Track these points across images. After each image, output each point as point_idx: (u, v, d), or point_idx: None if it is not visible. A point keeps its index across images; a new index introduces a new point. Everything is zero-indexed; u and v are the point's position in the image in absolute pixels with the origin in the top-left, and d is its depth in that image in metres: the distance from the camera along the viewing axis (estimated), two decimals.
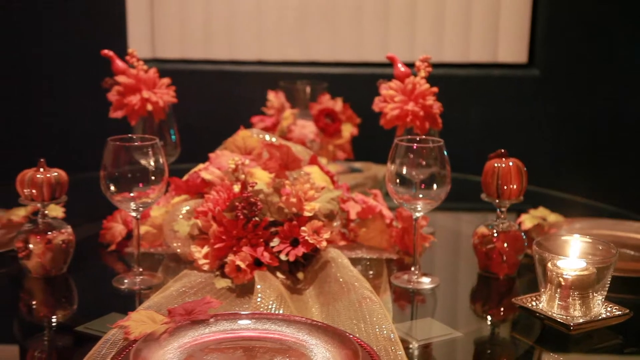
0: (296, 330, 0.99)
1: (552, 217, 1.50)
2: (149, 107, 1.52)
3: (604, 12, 2.55)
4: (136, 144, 1.22)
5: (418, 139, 1.24)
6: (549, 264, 1.10)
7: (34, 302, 1.23)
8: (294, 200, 1.24)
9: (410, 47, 2.61)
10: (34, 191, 1.24)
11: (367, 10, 2.62)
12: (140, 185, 1.21)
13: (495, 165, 1.28)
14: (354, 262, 1.31)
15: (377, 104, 1.43)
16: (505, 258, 1.29)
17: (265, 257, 1.19)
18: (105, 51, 1.53)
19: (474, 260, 1.34)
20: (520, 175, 1.28)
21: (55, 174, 1.26)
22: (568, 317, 1.07)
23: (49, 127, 2.66)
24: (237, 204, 1.21)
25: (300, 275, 1.23)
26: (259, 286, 1.13)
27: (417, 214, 1.26)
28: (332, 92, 1.98)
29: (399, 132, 1.42)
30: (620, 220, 1.56)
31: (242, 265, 1.18)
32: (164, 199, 1.40)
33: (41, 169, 1.26)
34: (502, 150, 1.30)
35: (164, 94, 1.55)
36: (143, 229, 1.36)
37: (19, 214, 1.47)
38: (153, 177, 1.21)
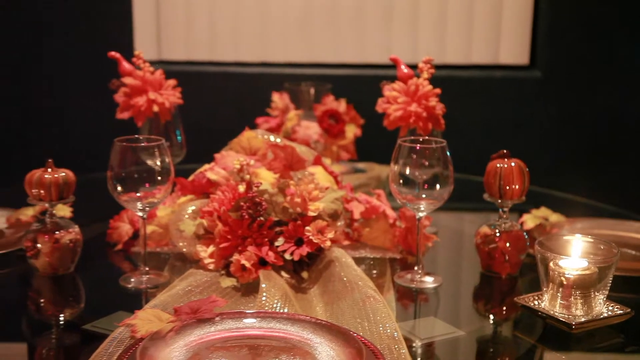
0: (301, 328, 0.99)
1: (554, 217, 1.50)
2: (155, 108, 1.53)
3: (605, 13, 2.55)
4: (143, 144, 1.22)
5: (421, 139, 1.25)
6: (551, 264, 1.10)
7: (42, 301, 1.23)
8: (298, 200, 1.24)
9: (413, 49, 2.61)
10: (42, 191, 1.25)
11: (370, 13, 2.62)
12: (147, 185, 1.22)
13: (498, 165, 1.28)
14: (358, 261, 1.31)
15: (380, 105, 1.43)
16: (507, 257, 1.29)
17: (270, 257, 1.20)
18: (112, 53, 1.54)
19: (476, 260, 1.35)
20: (522, 175, 1.28)
21: (63, 174, 1.26)
22: (570, 316, 1.07)
23: (57, 128, 2.66)
24: (242, 204, 1.21)
25: (304, 274, 1.24)
26: (263, 285, 1.14)
27: (420, 214, 1.26)
28: (336, 94, 1.97)
29: (402, 133, 1.42)
30: (621, 220, 1.56)
31: (247, 265, 1.18)
32: (170, 199, 1.40)
33: (49, 170, 1.26)
34: (505, 151, 1.30)
35: (170, 95, 1.55)
36: (149, 228, 1.37)
37: (27, 214, 1.48)
38: (159, 178, 1.22)
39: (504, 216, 1.31)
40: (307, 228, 1.22)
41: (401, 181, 1.23)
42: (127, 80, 1.53)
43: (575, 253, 1.14)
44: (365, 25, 2.63)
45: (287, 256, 1.21)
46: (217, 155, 1.43)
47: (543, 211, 1.52)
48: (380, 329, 1.03)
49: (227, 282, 1.20)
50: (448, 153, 1.23)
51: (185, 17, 2.64)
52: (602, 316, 1.09)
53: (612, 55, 2.57)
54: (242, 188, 1.25)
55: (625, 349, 1.09)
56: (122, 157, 1.20)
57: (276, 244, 1.22)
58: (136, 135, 1.25)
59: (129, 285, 1.24)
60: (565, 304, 1.08)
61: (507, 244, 1.29)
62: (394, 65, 1.46)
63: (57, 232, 1.26)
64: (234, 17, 2.64)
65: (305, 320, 1.01)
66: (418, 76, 1.43)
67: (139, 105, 1.52)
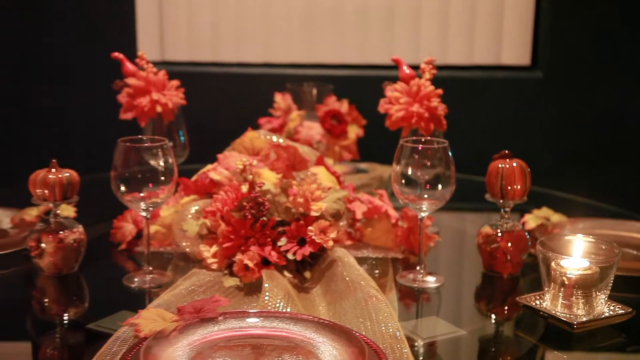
0: (303, 328, 0.99)
1: (556, 217, 1.50)
2: (159, 108, 1.53)
3: (606, 14, 2.55)
4: (146, 145, 1.22)
5: (423, 140, 1.25)
6: (553, 264, 1.10)
7: (46, 300, 1.24)
8: (301, 200, 1.25)
9: (415, 49, 2.61)
10: (46, 191, 1.25)
11: (372, 13, 2.63)
12: (150, 185, 1.22)
13: (500, 165, 1.28)
14: (360, 261, 1.31)
15: (382, 106, 1.44)
16: (509, 257, 1.29)
17: (273, 256, 1.20)
18: (116, 54, 1.54)
19: (478, 260, 1.35)
20: (524, 175, 1.28)
21: (67, 174, 1.27)
22: (571, 316, 1.08)
23: (60, 129, 2.67)
24: (245, 204, 1.21)
25: (307, 274, 1.24)
26: (266, 285, 1.14)
27: (422, 214, 1.26)
28: (338, 94, 1.97)
29: (404, 134, 1.42)
30: (622, 220, 1.56)
31: (250, 264, 1.18)
32: (173, 199, 1.40)
33: (53, 170, 1.26)
34: (506, 151, 1.30)
35: (173, 96, 1.56)
36: (153, 228, 1.37)
37: (31, 214, 1.48)
38: (162, 178, 1.22)
39: (506, 216, 1.31)
40: (310, 228, 1.23)
41: (403, 181, 1.24)
42: (131, 81, 1.53)
43: (576, 253, 1.14)
44: (367, 27, 2.63)
45: (290, 256, 1.21)
46: (220, 156, 1.43)
47: (544, 211, 1.52)
48: (383, 328, 1.03)
49: (230, 281, 1.20)
50: (450, 153, 1.23)
51: (188, 18, 2.65)
52: (603, 316, 1.09)
53: (613, 55, 2.57)
54: (245, 188, 1.25)
55: (627, 348, 1.09)
56: (126, 157, 1.21)
57: (279, 243, 1.22)
58: (139, 136, 1.25)
59: (133, 285, 1.25)
60: (566, 304, 1.09)
61: (509, 244, 1.29)
62: (396, 66, 1.47)
63: (61, 232, 1.27)
64: (237, 18, 2.64)
65: (307, 320, 1.01)
66: (420, 77, 1.43)
67: (142, 106, 1.52)
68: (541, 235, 1.42)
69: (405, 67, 1.45)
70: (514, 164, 1.28)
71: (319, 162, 1.46)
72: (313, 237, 1.22)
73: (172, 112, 1.57)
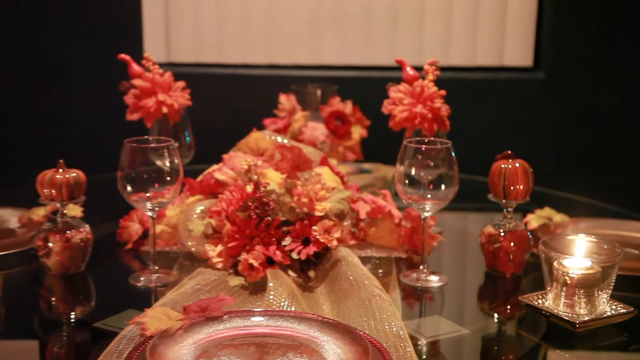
0: (308, 327, 1.00)
1: (558, 217, 1.50)
2: (165, 109, 1.54)
3: (608, 16, 2.55)
4: (152, 145, 1.23)
5: (426, 140, 1.25)
6: (555, 263, 1.10)
7: (53, 299, 1.24)
8: (305, 200, 1.25)
9: (419, 51, 2.62)
10: (53, 191, 1.26)
11: (376, 15, 2.63)
12: (156, 185, 1.22)
13: (502, 166, 1.29)
14: (364, 260, 1.32)
15: (386, 107, 1.44)
16: (511, 257, 1.30)
17: (278, 256, 1.20)
18: (122, 55, 1.55)
19: (481, 259, 1.35)
20: (526, 176, 1.29)
21: (74, 174, 1.27)
22: (574, 315, 1.08)
23: (67, 129, 2.68)
24: (250, 203, 1.22)
25: (311, 273, 1.24)
26: (271, 284, 1.14)
27: (426, 214, 1.26)
28: (342, 95, 1.97)
29: (408, 134, 1.42)
30: (624, 220, 1.56)
31: (255, 264, 1.19)
32: (179, 199, 1.41)
33: (60, 170, 1.27)
34: (509, 152, 1.31)
35: (178, 97, 1.56)
36: (159, 228, 1.38)
37: (38, 214, 1.49)
38: (168, 178, 1.22)
39: (509, 216, 1.31)
40: (314, 228, 1.23)
41: (407, 181, 1.24)
42: (137, 82, 1.53)
43: (579, 253, 1.14)
44: (371, 28, 2.64)
45: (294, 255, 1.22)
46: (225, 156, 1.44)
47: (547, 211, 1.52)
48: (386, 327, 1.04)
49: (235, 280, 1.20)
50: (453, 154, 1.23)
51: (194, 20, 2.66)
52: (605, 315, 1.09)
53: (615, 56, 2.57)
54: (249, 188, 1.25)
55: (629, 347, 1.09)
56: (132, 157, 1.21)
57: (283, 243, 1.23)
58: (146, 136, 1.26)
59: (139, 284, 1.25)
60: (569, 303, 1.09)
61: (512, 244, 1.30)
62: (399, 67, 1.47)
63: (68, 232, 1.27)
64: (242, 20, 2.65)
65: (312, 319, 1.01)
66: (423, 78, 1.43)
67: (149, 107, 1.53)
68: (543, 235, 1.42)
69: (408, 69, 1.45)
70: (517, 164, 1.29)
71: (323, 162, 1.47)
72: (317, 237, 1.22)
73: (178, 113, 1.57)
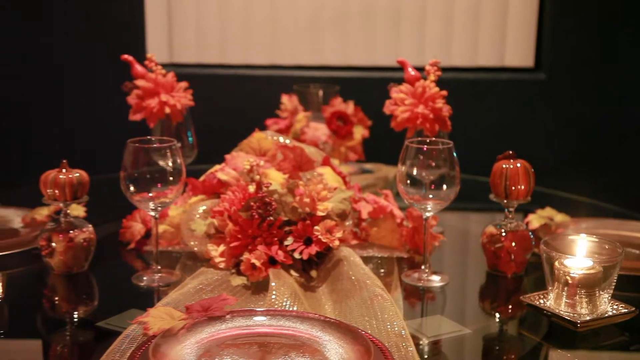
0: (310, 326, 1.00)
1: (559, 217, 1.50)
2: (167, 110, 1.54)
3: (609, 16, 2.56)
4: (155, 145, 1.23)
5: (428, 140, 1.25)
6: (556, 263, 1.10)
7: (56, 299, 1.25)
8: (307, 200, 1.25)
9: (420, 51, 2.62)
10: (56, 191, 1.26)
11: (378, 16, 2.64)
12: (159, 185, 1.23)
13: (504, 166, 1.29)
14: (366, 260, 1.32)
15: (388, 107, 1.44)
16: (513, 257, 1.30)
17: (280, 256, 1.21)
18: (125, 56, 1.55)
19: (482, 259, 1.35)
20: (527, 176, 1.29)
21: (77, 174, 1.28)
22: (575, 315, 1.08)
23: (71, 130, 2.69)
24: (252, 203, 1.22)
25: (313, 273, 1.24)
26: (273, 284, 1.15)
27: (427, 214, 1.27)
28: (344, 96, 1.98)
29: (409, 134, 1.42)
30: (625, 220, 1.57)
31: (257, 263, 1.19)
32: (181, 198, 1.41)
33: (63, 170, 1.27)
34: (510, 152, 1.31)
35: (181, 98, 1.56)
36: (161, 227, 1.38)
37: (42, 213, 1.49)
38: (171, 178, 1.23)
39: (510, 216, 1.31)
40: (316, 227, 1.23)
41: (408, 182, 1.24)
42: (140, 82, 1.54)
43: (580, 252, 1.14)
44: (373, 29, 2.64)
45: (297, 255, 1.22)
46: (227, 156, 1.44)
47: (548, 211, 1.52)
48: (388, 326, 1.04)
49: (238, 280, 1.21)
50: (454, 154, 1.24)
51: (197, 21, 2.67)
52: (606, 315, 1.09)
53: (616, 57, 2.57)
54: (252, 188, 1.26)
55: (630, 347, 1.09)
56: (135, 157, 1.21)
57: (285, 243, 1.23)
58: (148, 137, 1.26)
59: (142, 284, 1.26)
60: (570, 303, 1.09)
61: (513, 244, 1.30)
62: (401, 67, 1.47)
63: (71, 232, 1.28)
64: (244, 20, 2.66)
65: (314, 318, 1.02)
66: (425, 78, 1.43)
67: (151, 107, 1.53)
68: (545, 235, 1.42)
69: (410, 69, 1.45)
70: (518, 165, 1.29)
71: (325, 162, 1.47)
72: (319, 237, 1.22)
73: (180, 113, 1.57)
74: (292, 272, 1.22)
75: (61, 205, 1.28)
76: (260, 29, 2.66)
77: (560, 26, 2.57)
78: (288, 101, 1.96)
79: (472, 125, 2.55)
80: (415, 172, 1.24)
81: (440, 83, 1.43)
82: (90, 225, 1.31)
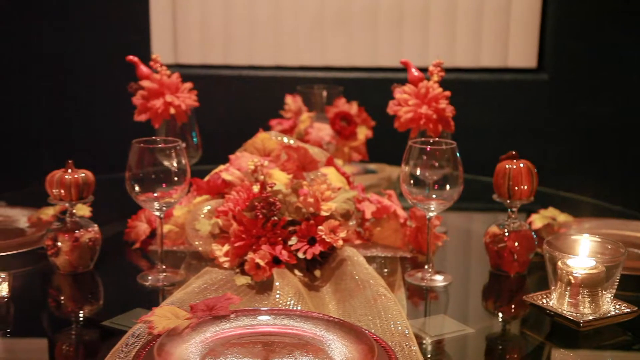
0: (314, 325, 1.00)
1: (562, 217, 1.50)
2: (172, 110, 1.54)
3: (611, 17, 2.56)
4: (160, 146, 1.24)
5: (431, 141, 1.26)
6: (559, 263, 1.11)
7: (62, 298, 1.25)
8: (311, 200, 1.26)
9: (424, 52, 2.63)
10: (62, 191, 1.27)
11: (381, 17, 2.64)
12: (164, 185, 1.23)
13: (507, 166, 1.29)
14: (369, 260, 1.32)
15: (391, 107, 1.44)
16: (516, 257, 1.30)
17: (284, 255, 1.21)
18: (130, 57, 1.55)
19: (485, 259, 1.35)
20: (530, 176, 1.29)
21: (83, 174, 1.28)
22: (578, 314, 1.08)
23: (76, 130, 2.70)
24: (256, 203, 1.22)
25: (317, 272, 1.25)
26: (277, 283, 1.15)
27: (431, 214, 1.27)
28: (348, 96, 1.98)
29: (413, 135, 1.43)
30: (627, 220, 1.57)
31: (262, 263, 1.19)
32: (186, 198, 1.41)
33: (69, 170, 1.28)
34: (513, 152, 1.31)
35: (186, 98, 1.57)
36: (166, 227, 1.38)
37: (48, 213, 1.49)
38: (176, 178, 1.23)
39: (513, 216, 1.32)
40: (320, 227, 1.24)
41: (412, 182, 1.24)
42: (145, 83, 1.54)
43: (583, 252, 1.14)
44: (376, 30, 2.65)
45: (300, 255, 1.22)
46: (231, 157, 1.44)
47: (551, 211, 1.51)
48: (392, 326, 1.04)
49: (242, 280, 1.21)
50: (458, 154, 1.24)
51: (201, 22, 2.68)
52: (609, 314, 1.09)
53: (618, 58, 2.58)
54: (256, 188, 1.26)
55: (633, 346, 1.09)
56: (140, 158, 1.22)
57: (290, 243, 1.23)
58: (153, 137, 1.26)
59: (147, 283, 1.26)
60: (573, 303, 1.09)
61: (516, 244, 1.30)
62: (404, 68, 1.48)
63: (76, 231, 1.28)
64: (249, 22, 2.67)
65: (318, 318, 1.02)
66: (428, 79, 1.44)
67: (156, 108, 1.53)
68: (547, 234, 1.42)
69: (413, 70, 1.46)
70: (521, 165, 1.29)
71: (329, 162, 1.47)
72: (323, 237, 1.23)
73: (185, 114, 1.58)
74: (296, 271, 1.22)
75: (67, 205, 1.29)
76: (264, 30, 2.66)
77: (562, 27, 2.57)
78: (292, 102, 1.96)
79: (475, 125, 2.55)
80: (418, 172, 1.24)
81: (443, 83, 1.43)
82: (95, 225, 1.32)
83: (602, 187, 2.13)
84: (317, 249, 1.23)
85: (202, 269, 1.27)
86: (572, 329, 1.08)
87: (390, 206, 1.41)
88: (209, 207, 1.34)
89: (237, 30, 2.67)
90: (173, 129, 1.59)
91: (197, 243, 1.32)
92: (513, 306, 1.24)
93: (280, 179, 1.33)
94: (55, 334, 1.12)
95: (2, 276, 1.17)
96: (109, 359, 0.95)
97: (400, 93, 1.44)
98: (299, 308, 1.10)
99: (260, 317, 1.03)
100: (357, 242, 1.41)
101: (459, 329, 1.10)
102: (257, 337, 0.99)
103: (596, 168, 2.63)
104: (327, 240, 1.23)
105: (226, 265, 1.25)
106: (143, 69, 1.56)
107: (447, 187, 1.24)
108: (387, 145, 1.77)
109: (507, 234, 1.31)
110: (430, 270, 1.29)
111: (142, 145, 1.23)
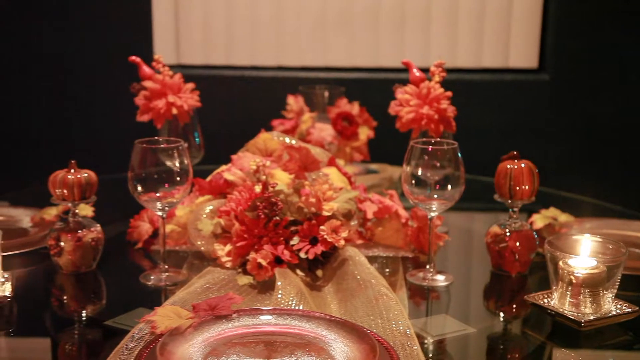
0: (315, 325, 1.00)
1: (563, 217, 1.50)
2: (174, 111, 1.54)
3: (612, 18, 2.56)
4: (162, 146, 1.24)
5: (433, 141, 1.26)
6: (561, 263, 1.11)
7: (65, 297, 1.25)
8: (313, 200, 1.26)
9: (425, 52, 2.63)
10: (65, 191, 1.27)
11: (383, 18, 2.64)
12: (166, 185, 1.23)
13: (508, 166, 1.29)
14: (371, 260, 1.32)
15: (393, 108, 1.44)
16: (517, 256, 1.30)
17: (286, 255, 1.21)
18: (133, 57, 1.55)
19: (487, 259, 1.36)
20: (532, 176, 1.29)
21: (86, 174, 1.28)
22: (579, 314, 1.08)
23: (79, 130, 2.70)
24: (258, 203, 1.23)
25: (319, 272, 1.25)
26: (279, 283, 1.15)
27: (432, 214, 1.27)
28: (349, 97, 1.98)
29: (414, 135, 1.43)
30: (628, 220, 1.57)
31: (264, 263, 1.19)
32: (188, 198, 1.42)
33: (72, 170, 1.28)
34: (515, 152, 1.31)
35: (188, 99, 1.57)
36: (168, 227, 1.38)
37: (50, 213, 1.50)
38: (178, 178, 1.23)
39: (514, 216, 1.32)
40: (322, 227, 1.24)
41: (413, 182, 1.25)
42: (147, 83, 1.54)
43: (584, 252, 1.14)
44: (378, 30, 2.65)
45: (302, 255, 1.23)
46: (234, 157, 1.45)
47: (552, 211, 1.52)
48: (393, 326, 1.04)
49: (244, 279, 1.21)
50: (459, 154, 1.24)
51: (203, 23, 2.68)
52: (610, 314, 1.09)
53: (619, 58, 2.58)
54: (258, 188, 1.26)
55: (634, 346, 1.09)
56: (143, 158, 1.22)
57: (291, 242, 1.24)
58: (156, 137, 1.26)
59: (149, 283, 1.26)
60: (574, 302, 1.09)
61: (517, 243, 1.30)
62: (406, 68, 1.48)
63: (79, 231, 1.29)
64: (251, 22, 2.67)
65: (319, 317, 1.02)
66: (430, 79, 1.44)
67: (159, 108, 1.54)
68: (549, 234, 1.42)
69: (415, 70, 1.46)
70: (522, 165, 1.29)
71: (331, 163, 1.48)
72: (325, 236, 1.23)
73: (187, 114, 1.58)
74: (298, 271, 1.23)
75: (70, 205, 1.29)
76: (266, 31, 2.67)
77: (563, 27, 2.57)
78: (294, 102, 1.96)
79: (477, 126, 2.55)
80: (420, 172, 1.24)
81: (444, 84, 1.43)
82: (98, 225, 1.32)
83: (602, 187, 2.13)
84: (319, 248, 1.23)
85: (205, 268, 1.27)
86: (573, 328, 1.08)
87: (392, 206, 1.41)
88: (211, 207, 1.34)
89: (239, 31, 2.67)
90: (175, 129, 1.59)
91: (199, 243, 1.33)
92: (514, 306, 1.24)
93: (282, 179, 1.33)
94: (58, 334, 1.12)
95: (5, 276, 1.18)
96: (112, 359, 0.96)
97: (402, 93, 1.44)
98: (300, 308, 1.10)
99: (262, 317, 1.03)
100: (359, 242, 1.41)
101: (460, 329, 1.10)
102: (259, 337, 0.99)
103: (597, 168, 2.63)
104: (329, 240, 1.23)
105: (228, 265, 1.25)
106: (145, 69, 1.57)
107: (449, 187, 1.24)
108: (389, 145, 1.77)
109: (508, 234, 1.31)
110: (431, 270, 1.29)
111: (144, 145, 1.23)
